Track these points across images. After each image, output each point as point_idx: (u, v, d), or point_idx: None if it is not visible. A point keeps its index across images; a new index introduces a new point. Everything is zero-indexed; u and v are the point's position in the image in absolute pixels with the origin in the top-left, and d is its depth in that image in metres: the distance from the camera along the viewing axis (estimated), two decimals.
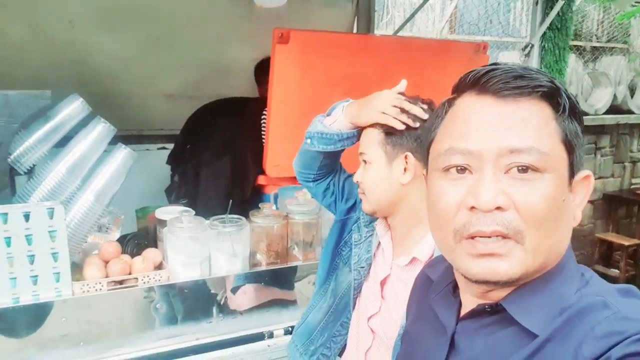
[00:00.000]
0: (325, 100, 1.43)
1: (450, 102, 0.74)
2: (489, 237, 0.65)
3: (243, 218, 1.80)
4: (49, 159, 1.56)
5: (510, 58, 4.73)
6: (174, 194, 2.56)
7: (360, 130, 1.28)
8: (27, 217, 1.42)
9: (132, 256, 1.70)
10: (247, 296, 1.81)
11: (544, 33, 2.14)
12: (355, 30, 3.59)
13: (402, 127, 1.16)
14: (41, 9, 2.58)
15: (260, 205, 1.87)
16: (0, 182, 1.44)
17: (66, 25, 2.66)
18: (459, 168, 0.68)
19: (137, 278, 1.63)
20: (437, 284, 0.84)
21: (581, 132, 0.70)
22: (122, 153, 1.67)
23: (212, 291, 1.75)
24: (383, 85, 1.31)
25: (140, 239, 1.82)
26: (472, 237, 0.66)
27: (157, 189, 2.82)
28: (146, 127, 3.13)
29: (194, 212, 1.81)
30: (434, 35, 4.75)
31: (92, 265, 1.61)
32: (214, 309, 1.75)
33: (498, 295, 0.70)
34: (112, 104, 2.93)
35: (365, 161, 1.24)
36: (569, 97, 0.68)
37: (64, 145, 1.59)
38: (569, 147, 0.67)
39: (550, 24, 2.13)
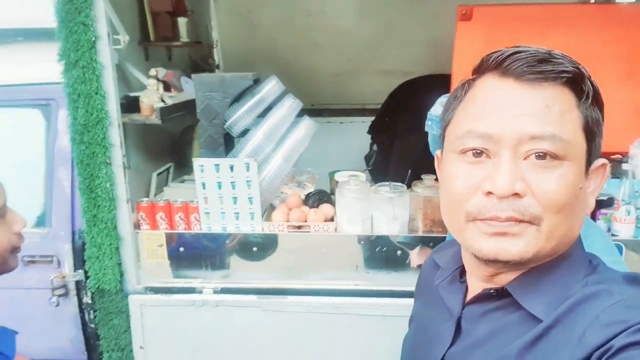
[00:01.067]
0: None
1: (469, 83, 0.71)
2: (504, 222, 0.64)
3: (404, 186, 1.99)
4: (253, 126, 2.03)
5: None
6: (371, 162, 2.86)
7: None
8: (231, 168, 1.92)
9: (311, 208, 2.09)
10: (418, 255, 2.01)
11: None
12: None
13: None
14: (286, 2, 3.15)
15: (422, 176, 2.02)
16: (217, 142, 1.97)
17: (304, 14, 3.19)
18: (475, 152, 0.66)
19: (310, 226, 2.01)
20: (443, 269, 0.84)
21: (602, 120, 0.67)
22: (306, 123, 2.04)
23: (371, 246, 2.01)
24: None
25: (321, 195, 2.18)
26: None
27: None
28: (368, 101, 3.49)
29: (363, 177, 2.08)
30: None
31: (279, 211, 2.05)
32: (373, 262, 2.01)
33: (504, 279, 0.70)
34: (339, 80, 3.40)
35: None
36: (592, 84, 0.66)
37: (265, 116, 2.05)
38: (590, 135, 0.65)
39: None
